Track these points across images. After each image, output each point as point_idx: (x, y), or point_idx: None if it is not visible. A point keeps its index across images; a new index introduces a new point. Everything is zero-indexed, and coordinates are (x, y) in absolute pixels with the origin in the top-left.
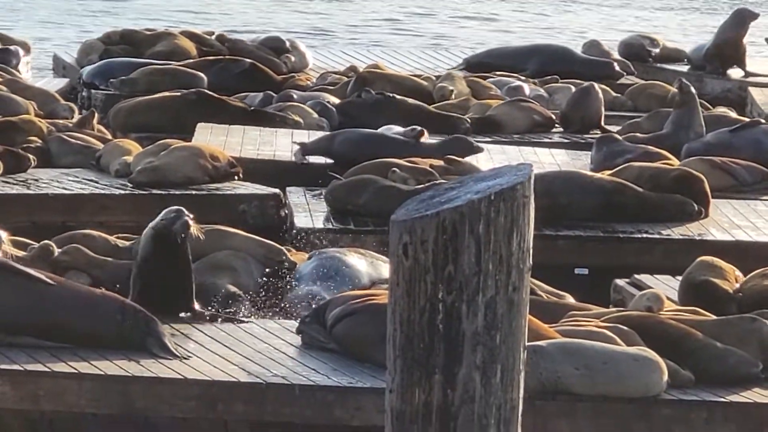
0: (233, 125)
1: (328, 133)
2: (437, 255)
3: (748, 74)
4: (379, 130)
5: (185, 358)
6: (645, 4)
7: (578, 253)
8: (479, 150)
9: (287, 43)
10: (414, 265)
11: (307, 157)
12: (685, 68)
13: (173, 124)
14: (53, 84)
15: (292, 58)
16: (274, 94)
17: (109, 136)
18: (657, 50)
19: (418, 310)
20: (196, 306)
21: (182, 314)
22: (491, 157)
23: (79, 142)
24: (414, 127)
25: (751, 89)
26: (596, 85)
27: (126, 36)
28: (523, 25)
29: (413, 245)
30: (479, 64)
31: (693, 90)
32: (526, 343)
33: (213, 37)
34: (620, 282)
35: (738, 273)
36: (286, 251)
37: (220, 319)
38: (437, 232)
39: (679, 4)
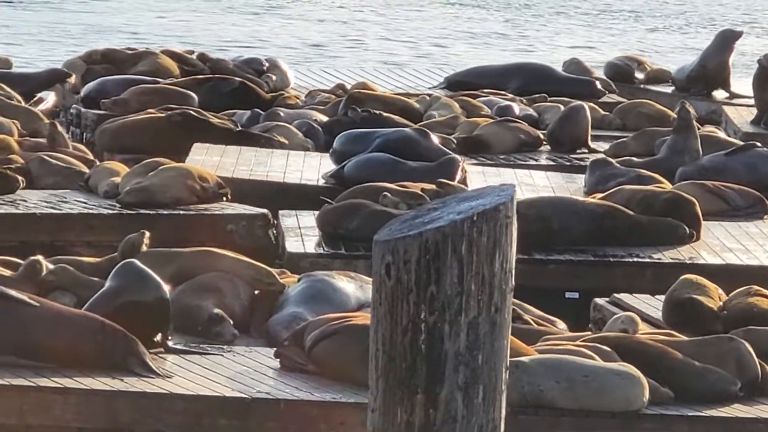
0: (229, 145)
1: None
2: (420, 275)
3: (732, 95)
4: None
5: (167, 377)
6: (628, 26)
7: (569, 277)
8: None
9: (267, 64)
10: (396, 285)
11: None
12: (668, 89)
13: (158, 144)
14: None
15: (274, 77)
16: (261, 112)
17: (90, 155)
18: (642, 72)
19: (400, 330)
20: (169, 341)
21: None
22: (485, 179)
23: (59, 163)
24: None
25: (725, 108)
26: (584, 105)
27: (107, 55)
28: (505, 44)
29: (396, 265)
30: (460, 83)
31: (692, 114)
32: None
33: (194, 56)
34: (600, 301)
35: (720, 291)
36: (275, 273)
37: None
38: (420, 252)
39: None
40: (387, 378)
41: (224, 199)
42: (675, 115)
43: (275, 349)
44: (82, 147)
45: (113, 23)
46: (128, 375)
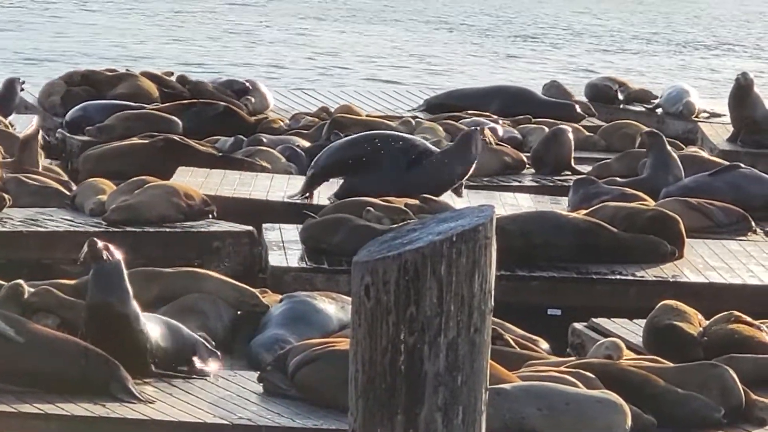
0: (213, 169)
1: None
2: (399, 296)
3: None
4: None
5: (150, 402)
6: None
7: (551, 294)
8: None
9: (248, 84)
10: (376, 306)
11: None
12: (650, 109)
13: (142, 170)
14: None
15: (253, 100)
16: (244, 138)
17: (63, 176)
18: (622, 93)
19: (379, 350)
20: (152, 366)
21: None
22: (469, 201)
23: (35, 183)
24: None
25: (701, 125)
26: (568, 127)
27: (87, 76)
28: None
29: (375, 286)
30: (440, 106)
31: (660, 135)
32: (490, 386)
33: (173, 77)
34: (578, 326)
35: (700, 317)
36: (259, 294)
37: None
38: (399, 273)
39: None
40: (367, 399)
41: (210, 216)
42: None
43: (258, 373)
44: (54, 167)
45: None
46: (110, 400)
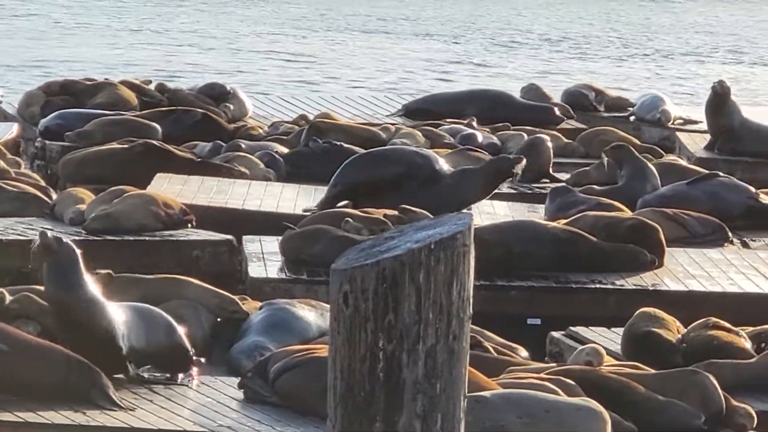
0: (191, 175)
1: None
2: (377, 304)
3: None
4: None
5: (130, 410)
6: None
7: (531, 303)
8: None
9: (227, 87)
10: (354, 313)
11: None
12: (625, 116)
13: (121, 175)
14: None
15: (231, 107)
16: (223, 144)
17: (41, 182)
18: (599, 100)
19: (358, 358)
20: (131, 369)
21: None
22: None
23: (14, 189)
24: None
25: (678, 133)
26: (546, 136)
27: (66, 86)
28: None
29: (353, 294)
30: (418, 111)
31: (625, 146)
32: (469, 393)
33: (151, 86)
34: (556, 334)
35: (679, 324)
36: (239, 301)
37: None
38: (377, 280)
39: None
40: (346, 406)
41: (189, 225)
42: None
43: (239, 380)
44: (32, 174)
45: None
46: (91, 408)
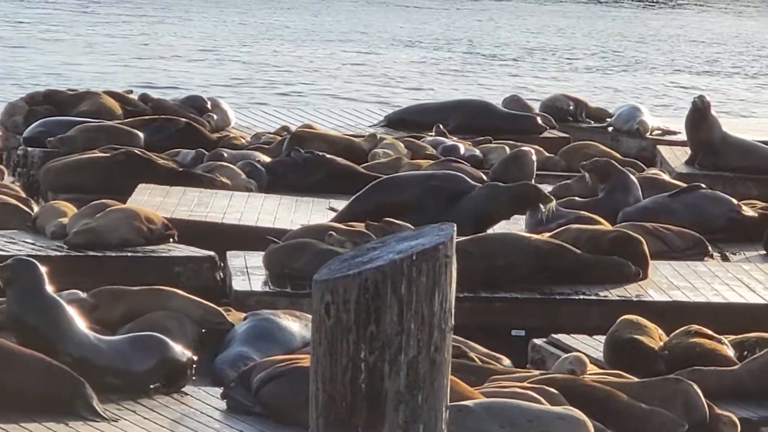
0: (173, 186)
1: None
2: (359, 314)
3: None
4: None
5: (114, 421)
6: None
7: (515, 315)
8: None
9: (209, 102)
10: (336, 324)
11: None
12: (604, 127)
13: (103, 184)
14: None
15: (215, 117)
16: (205, 152)
17: (21, 193)
18: (578, 110)
19: (340, 369)
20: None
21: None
22: None
23: None
24: None
25: (660, 147)
26: (530, 149)
27: (49, 96)
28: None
29: (335, 304)
30: (400, 121)
31: (607, 161)
32: (452, 403)
33: (133, 95)
34: (538, 341)
35: (661, 331)
36: (224, 312)
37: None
38: (359, 291)
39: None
40: (327, 417)
41: (171, 240)
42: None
43: (222, 389)
44: (12, 185)
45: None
46: (74, 418)
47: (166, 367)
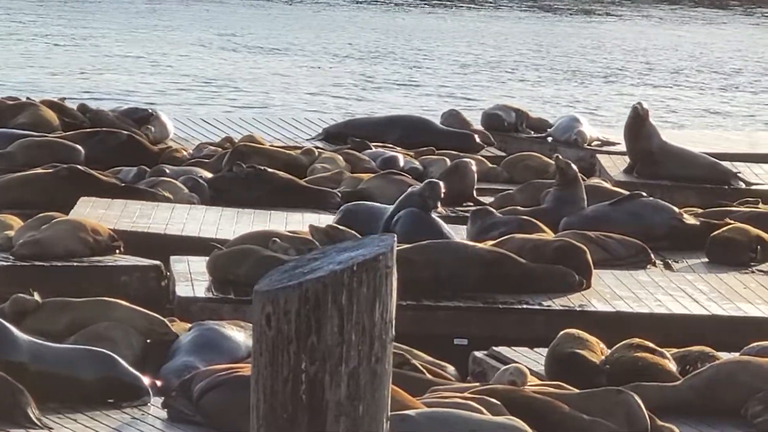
0: (115, 199)
1: None
2: (300, 325)
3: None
4: None
5: (50, 429)
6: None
7: (458, 324)
8: None
9: (150, 111)
10: (277, 335)
11: None
12: (543, 138)
13: (46, 200)
14: None
15: (153, 129)
16: (147, 169)
17: None
18: (519, 120)
19: (281, 380)
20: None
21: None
22: None
23: None
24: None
25: (599, 156)
26: (471, 161)
27: None
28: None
29: (276, 315)
30: (339, 135)
31: (574, 167)
32: (393, 412)
33: (67, 103)
34: (479, 354)
35: (602, 345)
36: (168, 323)
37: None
38: (300, 302)
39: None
40: (268, 428)
41: (117, 251)
42: (556, 167)
43: (163, 399)
44: None
45: None
46: (12, 426)
47: (113, 384)
